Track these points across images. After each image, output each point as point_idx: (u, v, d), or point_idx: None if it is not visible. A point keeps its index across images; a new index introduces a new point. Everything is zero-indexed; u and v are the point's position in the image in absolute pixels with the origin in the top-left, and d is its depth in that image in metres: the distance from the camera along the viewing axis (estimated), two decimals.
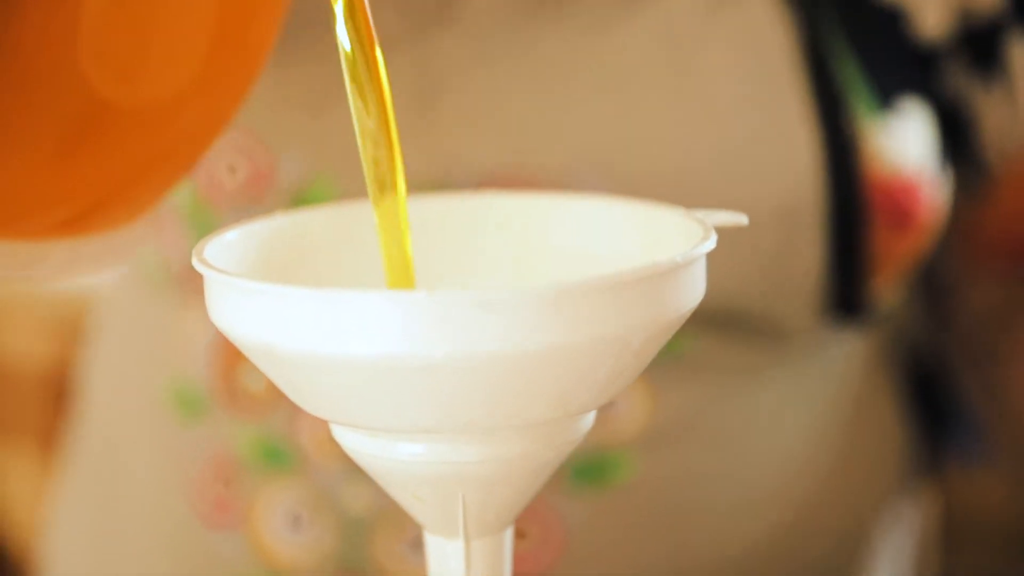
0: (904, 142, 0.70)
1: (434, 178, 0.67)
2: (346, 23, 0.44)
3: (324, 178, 0.68)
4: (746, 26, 0.69)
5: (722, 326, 0.70)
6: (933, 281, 0.80)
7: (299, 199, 0.69)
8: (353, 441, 0.45)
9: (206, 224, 0.70)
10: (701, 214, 0.46)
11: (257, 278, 0.42)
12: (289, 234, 0.50)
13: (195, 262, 0.43)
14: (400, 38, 0.68)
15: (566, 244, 0.50)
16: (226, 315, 0.43)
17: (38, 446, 1.66)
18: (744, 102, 0.68)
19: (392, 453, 0.44)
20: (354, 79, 0.45)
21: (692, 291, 0.43)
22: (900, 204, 0.70)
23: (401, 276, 0.47)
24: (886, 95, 0.70)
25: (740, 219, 0.46)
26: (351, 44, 0.45)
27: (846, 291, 0.70)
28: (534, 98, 0.68)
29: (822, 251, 0.69)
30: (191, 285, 0.72)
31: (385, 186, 0.47)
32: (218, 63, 0.50)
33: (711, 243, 0.43)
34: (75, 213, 0.50)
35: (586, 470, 0.69)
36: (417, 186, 0.66)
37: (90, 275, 0.51)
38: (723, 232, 0.46)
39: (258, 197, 0.69)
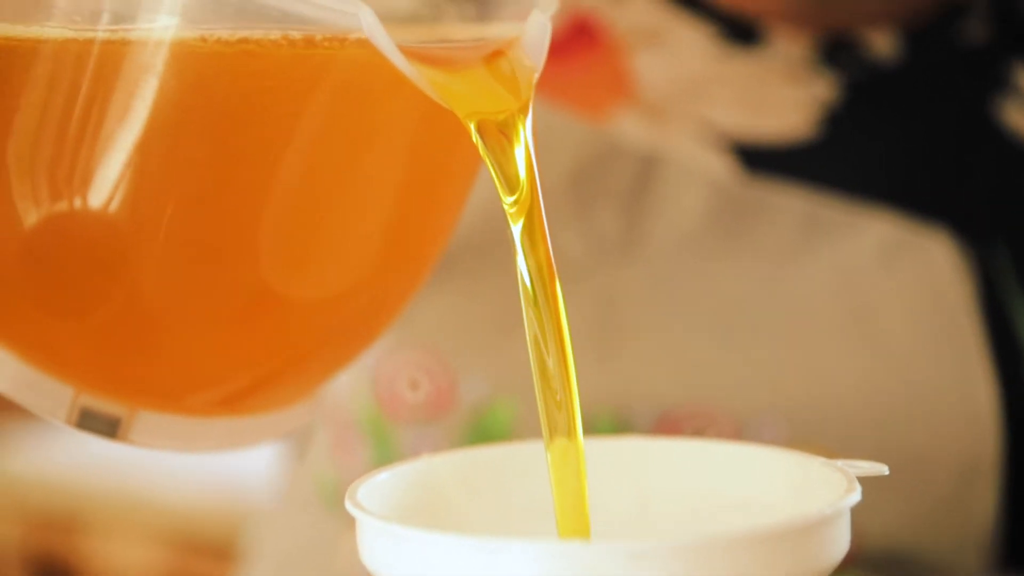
0: None
1: (611, 413, 0.67)
2: (526, 257, 0.43)
3: (505, 400, 0.68)
4: (924, 273, 0.69)
5: (890, 571, 0.68)
6: None
7: (479, 419, 0.69)
8: None
9: (385, 439, 0.70)
10: (843, 463, 0.46)
11: (409, 521, 0.43)
12: (445, 475, 0.49)
13: (348, 504, 0.43)
14: (583, 268, 0.69)
15: (703, 487, 0.50)
16: (377, 559, 0.43)
17: None
18: (923, 350, 0.68)
19: None
20: (533, 316, 0.43)
21: (838, 544, 0.42)
22: None
23: (575, 522, 0.46)
24: None
25: (881, 469, 0.45)
26: (531, 280, 0.43)
27: (1020, 541, 0.69)
28: (713, 337, 0.68)
29: (998, 501, 0.68)
30: None
31: (559, 428, 0.45)
32: (389, 262, 0.50)
33: (856, 496, 0.43)
34: (235, 392, 0.50)
35: None
36: (592, 419, 0.66)
37: (249, 448, 0.52)
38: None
39: (438, 415, 0.69)
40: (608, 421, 0.68)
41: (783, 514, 0.43)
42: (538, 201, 0.43)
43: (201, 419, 0.49)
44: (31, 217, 0.45)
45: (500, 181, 0.42)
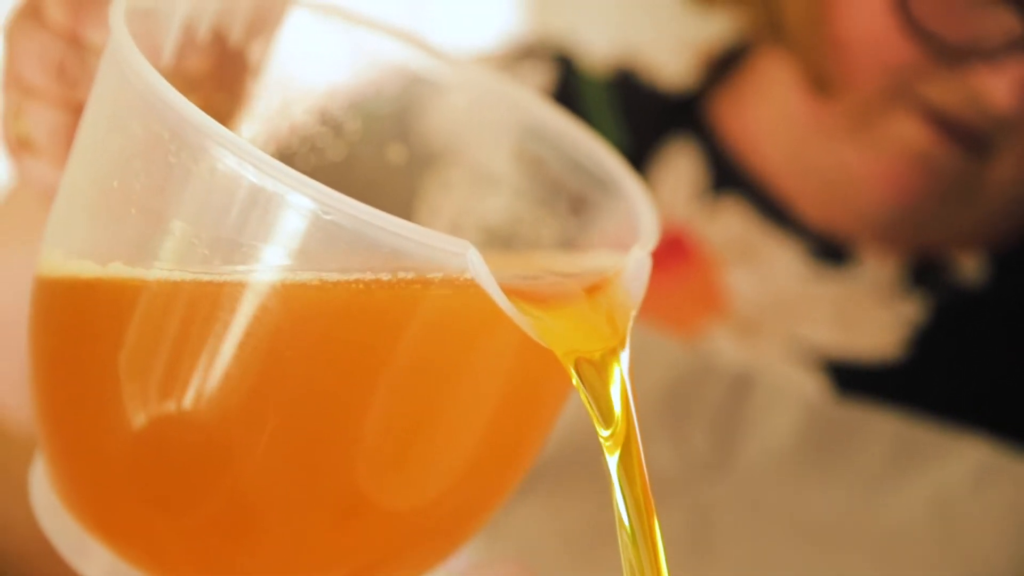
0: None
1: None
2: (623, 490, 0.42)
3: None
4: (1015, 501, 0.69)
5: None
6: None
7: None
8: None
9: None
10: None
11: None
12: None
13: None
14: (675, 484, 0.70)
15: None
16: None
17: None
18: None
19: None
20: (632, 552, 0.42)
21: None
22: None
23: None
24: None
25: None
26: (628, 516, 0.42)
27: None
28: (803, 557, 0.69)
29: None
30: None
31: None
32: (478, 477, 0.51)
33: None
34: None
35: None
36: None
37: None
38: None
39: None
40: None
41: None
42: (635, 435, 0.43)
43: None
44: (139, 419, 0.47)
45: (596, 415, 0.43)
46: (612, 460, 0.43)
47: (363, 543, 0.51)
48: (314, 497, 0.49)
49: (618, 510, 0.42)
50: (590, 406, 0.43)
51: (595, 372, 0.43)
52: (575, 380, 0.43)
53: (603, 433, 0.42)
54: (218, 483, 0.48)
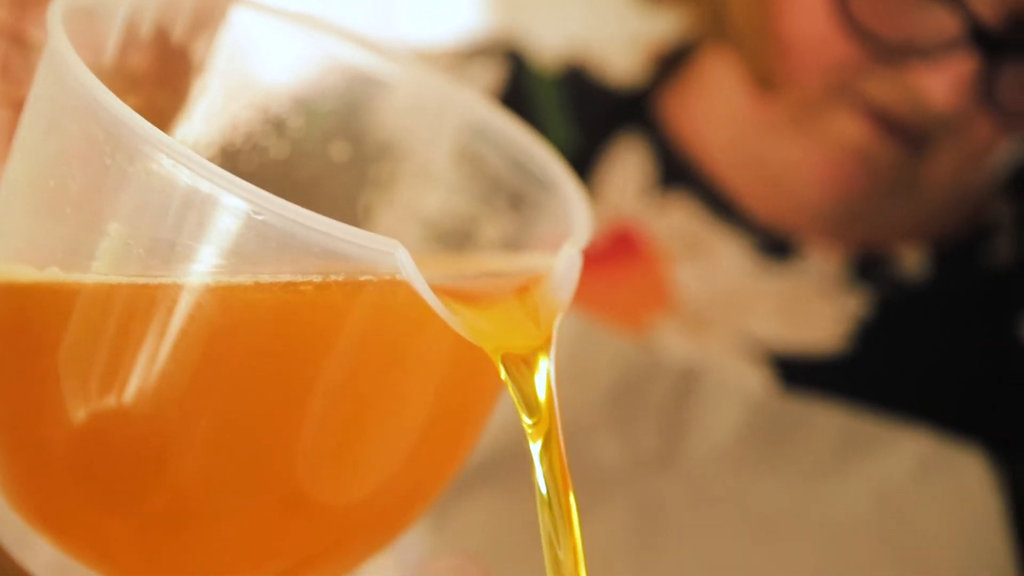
0: None
1: None
2: (545, 476, 0.45)
3: None
4: (958, 489, 0.70)
5: None
6: None
7: None
8: None
9: None
10: None
11: None
12: None
13: None
14: (622, 479, 0.71)
15: None
16: None
17: None
18: (956, 566, 0.69)
19: None
20: (548, 520, 0.45)
21: None
22: None
23: None
24: None
25: None
26: (547, 488, 0.45)
27: None
28: (748, 549, 0.70)
29: None
30: None
31: None
32: (416, 470, 0.52)
33: None
34: None
35: None
36: None
37: None
38: None
39: None
40: None
41: None
42: (556, 425, 0.45)
43: None
44: (79, 417, 0.48)
45: (520, 405, 0.45)
46: (535, 447, 0.45)
47: (304, 536, 0.52)
48: (253, 493, 0.50)
49: (538, 487, 0.45)
50: (515, 395, 0.45)
51: (522, 366, 0.45)
52: (503, 374, 0.44)
53: (527, 421, 0.44)
54: (157, 479, 0.49)
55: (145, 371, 0.47)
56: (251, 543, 0.51)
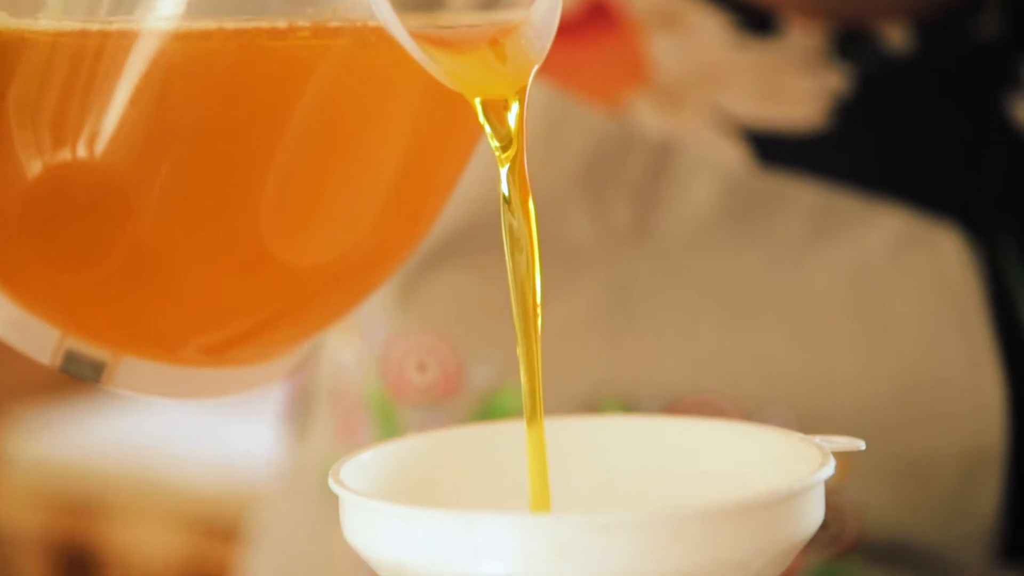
0: None
1: (619, 400, 0.68)
2: (508, 184, 0.47)
3: (512, 385, 0.69)
4: (934, 266, 0.69)
5: (892, 560, 0.69)
6: None
7: (486, 404, 0.70)
8: None
9: (391, 421, 0.71)
10: (820, 439, 0.47)
11: (391, 499, 0.44)
12: (429, 454, 0.51)
13: (331, 482, 0.45)
14: (595, 255, 0.70)
15: (681, 463, 0.51)
16: (358, 535, 0.44)
17: None
18: (931, 342, 0.69)
19: None
20: (509, 219, 0.47)
21: (811, 517, 0.43)
22: None
23: (540, 499, 0.48)
24: None
25: (858, 444, 0.46)
26: (510, 196, 0.47)
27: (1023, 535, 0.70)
28: (723, 326, 0.69)
29: (1002, 495, 0.68)
30: None
31: (533, 414, 0.48)
32: (385, 227, 0.52)
33: (829, 469, 0.44)
34: (223, 342, 0.52)
35: None
36: (601, 406, 0.67)
37: (228, 398, 0.54)
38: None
39: (444, 399, 0.70)
40: (616, 408, 0.69)
41: (756, 487, 0.44)
42: (522, 152, 0.47)
43: (186, 368, 0.51)
44: (33, 168, 0.47)
45: (492, 137, 0.46)
46: (504, 170, 0.46)
47: (270, 293, 0.51)
48: (215, 246, 0.49)
49: (502, 192, 0.47)
50: (489, 133, 0.46)
51: (500, 109, 0.46)
52: (478, 110, 0.46)
53: (495, 144, 0.46)
54: (116, 232, 0.48)
55: (99, 116, 0.45)
56: (213, 299, 0.50)
